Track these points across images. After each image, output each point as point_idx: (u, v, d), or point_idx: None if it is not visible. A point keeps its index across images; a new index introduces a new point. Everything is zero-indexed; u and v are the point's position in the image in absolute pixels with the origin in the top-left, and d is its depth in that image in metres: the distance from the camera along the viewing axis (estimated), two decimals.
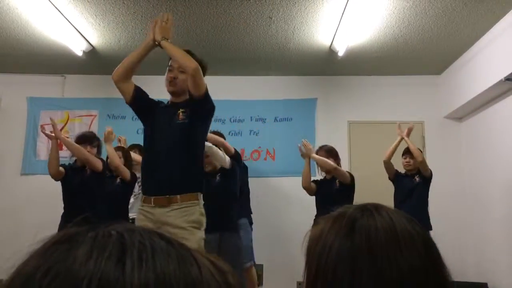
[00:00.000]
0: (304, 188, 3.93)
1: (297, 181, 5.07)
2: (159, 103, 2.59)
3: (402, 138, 4.07)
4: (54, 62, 4.91)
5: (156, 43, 2.36)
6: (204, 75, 2.39)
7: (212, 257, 0.39)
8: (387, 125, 5.24)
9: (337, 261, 0.64)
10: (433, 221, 3.87)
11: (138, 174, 4.27)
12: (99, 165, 3.48)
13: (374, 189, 4.09)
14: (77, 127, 5.25)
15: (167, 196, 2.33)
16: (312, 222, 3.71)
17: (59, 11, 3.71)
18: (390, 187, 4.12)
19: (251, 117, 5.26)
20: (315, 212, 3.90)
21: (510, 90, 4.12)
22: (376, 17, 3.85)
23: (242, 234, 3.74)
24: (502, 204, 4.25)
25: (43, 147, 5.20)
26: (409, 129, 4.08)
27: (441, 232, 3.54)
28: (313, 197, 4.01)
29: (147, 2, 3.61)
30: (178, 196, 2.32)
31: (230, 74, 5.01)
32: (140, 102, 2.49)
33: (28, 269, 0.34)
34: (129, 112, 5.13)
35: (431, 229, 3.76)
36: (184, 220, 2.29)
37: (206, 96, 2.38)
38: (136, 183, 4.03)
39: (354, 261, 0.63)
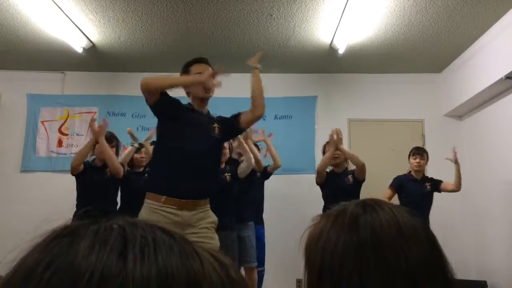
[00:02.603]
0: (319, 172, 3.86)
1: (297, 179, 5.09)
2: (181, 103, 2.57)
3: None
4: (54, 59, 4.90)
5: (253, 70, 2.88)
6: None
7: (214, 251, 0.39)
8: (387, 123, 5.25)
9: (344, 257, 0.64)
10: (433, 218, 3.86)
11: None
12: (121, 171, 3.55)
13: (374, 187, 4.09)
14: (77, 124, 5.25)
15: (196, 200, 2.48)
16: (311, 220, 3.71)
17: (59, 7, 3.70)
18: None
19: None
20: (313, 210, 3.88)
21: (510, 88, 4.12)
22: (377, 15, 3.84)
23: (251, 235, 3.84)
24: (502, 202, 4.25)
25: (43, 144, 5.19)
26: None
27: (441, 230, 3.53)
28: (312, 195, 4.01)
29: None
30: (202, 201, 2.53)
31: (230, 72, 4.99)
32: (163, 106, 2.47)
33: (29, 263, 0.34)
34: (129, 109, 5.20)
35: None
36: (207, 221, 2.52)
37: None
38: None
39: (361, 255, 0.63)
